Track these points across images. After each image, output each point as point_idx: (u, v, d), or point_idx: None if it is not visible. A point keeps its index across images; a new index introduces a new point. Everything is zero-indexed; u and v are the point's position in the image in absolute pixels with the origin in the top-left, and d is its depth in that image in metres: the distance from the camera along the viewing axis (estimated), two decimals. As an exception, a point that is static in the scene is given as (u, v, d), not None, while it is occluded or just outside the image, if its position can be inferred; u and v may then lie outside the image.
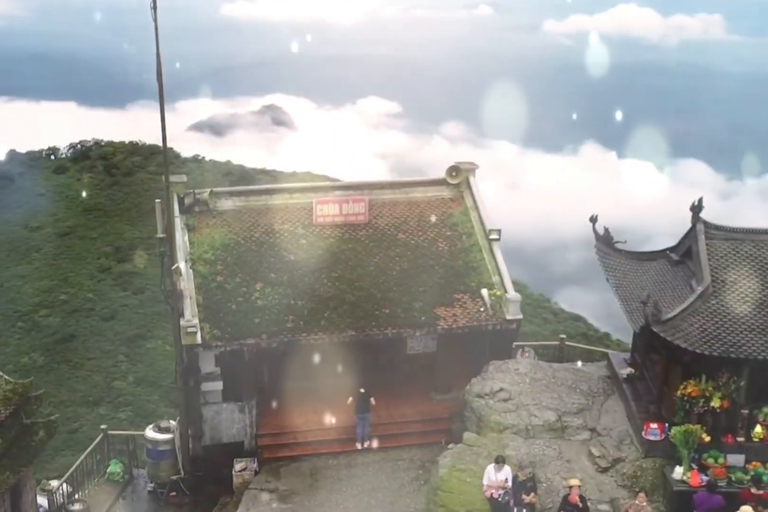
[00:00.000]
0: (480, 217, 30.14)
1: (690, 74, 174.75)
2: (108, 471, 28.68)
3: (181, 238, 28.14)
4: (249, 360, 27.49)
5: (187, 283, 27.09)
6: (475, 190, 30.83)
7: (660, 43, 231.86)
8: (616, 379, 27.06)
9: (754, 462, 23.15)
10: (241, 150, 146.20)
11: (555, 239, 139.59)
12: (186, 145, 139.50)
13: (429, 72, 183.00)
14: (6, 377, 24.49)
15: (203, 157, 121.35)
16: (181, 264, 27.29)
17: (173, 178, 29.18)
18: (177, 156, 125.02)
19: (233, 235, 28.88)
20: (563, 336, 31.26)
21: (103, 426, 29.34)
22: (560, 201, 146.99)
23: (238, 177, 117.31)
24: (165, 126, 25.54)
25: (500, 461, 22.73)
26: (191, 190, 29.30)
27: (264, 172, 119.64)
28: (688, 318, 22.76)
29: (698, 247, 24.08)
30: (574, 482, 22.32)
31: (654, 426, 23.73)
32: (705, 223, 24.57)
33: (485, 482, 22.79)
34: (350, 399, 27.61)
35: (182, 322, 26.14)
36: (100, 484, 28.49)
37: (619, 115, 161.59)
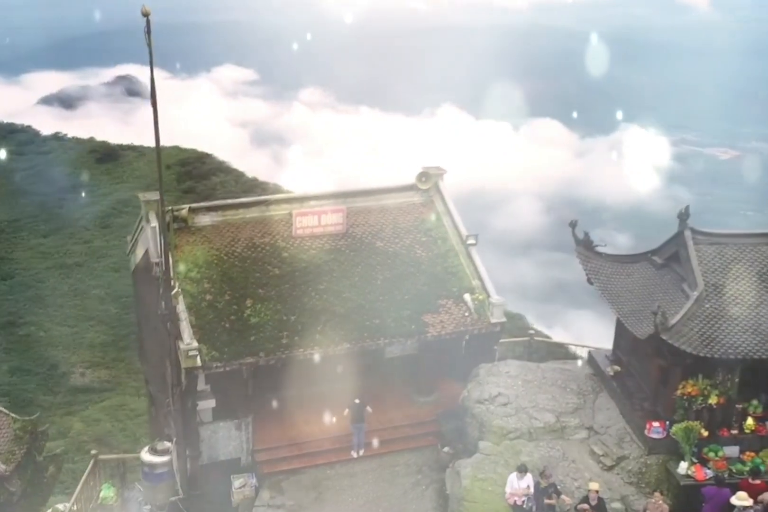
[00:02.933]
0: (453, 221, 30.73)
1: (541, 35, 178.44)
2: (101, 495, 28.30)
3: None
4: (241, 377, 27.48)
5: (179, 304, 26.78)
6: (445, 195, 31.34)
7: (511, 5, 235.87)
8: (603, 377, 28.26)
9: (747, 453, 24.72)
10: (94, 122, 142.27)
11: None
12: (36, 119, 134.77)
13: (282, 38, 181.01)
14: (13, 415, 23.96)
15: (65, 135, 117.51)
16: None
17: (148, 196, 28.62)
18: (36, 134, 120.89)
19: (215, 251, 28.65)
20: (532, 331, 32.29)
21: (93, 452, 28.83)
22: (421, 164, 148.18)
23: (103, 154, 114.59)
24: (159, 150, 25.24)
25: (523, 470, 23.64)
26: (170, 207, 28.75)
27: (131, 147, 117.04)
28: (687, 323, 23.99)
29: (688, 252, 25.25)
30: (594, 486, 23.42)
31: (656, 424, 24.99)
32: (692, 229, 25.69)
33: (508, 490, 23.70)
34: (346, 410, 28.00)
35: (182, 346, 25.87)
36: (95, 509, 28.13)
37: (473, 77, 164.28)
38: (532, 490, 23.52)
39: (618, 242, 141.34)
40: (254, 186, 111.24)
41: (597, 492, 23.26)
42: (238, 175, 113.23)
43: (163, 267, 24.97)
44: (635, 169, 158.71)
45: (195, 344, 26.07)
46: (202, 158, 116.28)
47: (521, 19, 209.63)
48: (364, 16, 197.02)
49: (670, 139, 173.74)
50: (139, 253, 30.39)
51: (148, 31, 23.14)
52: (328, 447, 28.60)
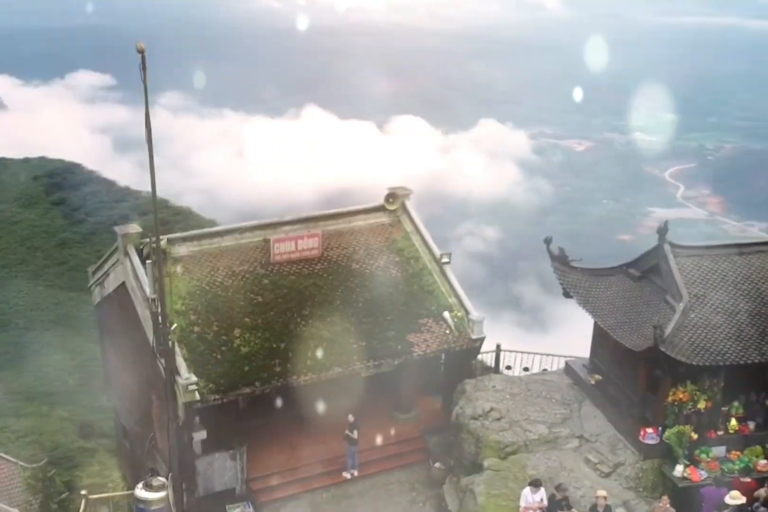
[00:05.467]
0: (424, 240, 31.20)
1: (398, 34, 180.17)
2: (93, 537, 27.63)
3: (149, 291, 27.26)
4: (231, 407, 27.32)
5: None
6: (413, 214, 31.76)
7: (368, 5, 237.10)
8: (584, 386, 29.29)
9: (734, 452, 26.17)
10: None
11: (289, 204, 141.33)
12: None
13: (138, 41, 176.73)
14: (21, 463, 23.17)
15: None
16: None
17: (128, 229, 28.11)
18: None
19: (196, 282, 28.31)
20: (499, 343, 32.99)
21: (83, 492, 28.05)
22: (290, 166, 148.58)
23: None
24: (155, 184, 24.71)
25: (538, 484, 24.33)
26: (147, 240, 28.27)
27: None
28: (677, 334, 25.17)
29: (669, 265, 26.41)
30: (602, 493, 24.34)
31: (650, 430, 26.13)
32: (670, 242, 26.86)
33: (522, 504, 24.35)
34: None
35: (181, 381, 25.53)
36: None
37: (334, 77, 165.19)
38: (546, 503, 24.26)
39: (487, 234, 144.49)
40: (126, 194, 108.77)
41: (605, 498, 24.16)
42: (109, 185, 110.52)
43: (158, 303, 24.58)
44: (497, 162, 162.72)
45: (193, 378, 25.80)
46: (71, 168, 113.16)
47: (378, 18, 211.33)
48: (221, 16, 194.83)
49: (528, 132, 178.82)
50: (110, 285, 29.77)
51: (143, 68, 22.47)
52: (320, 470, 28.73)
